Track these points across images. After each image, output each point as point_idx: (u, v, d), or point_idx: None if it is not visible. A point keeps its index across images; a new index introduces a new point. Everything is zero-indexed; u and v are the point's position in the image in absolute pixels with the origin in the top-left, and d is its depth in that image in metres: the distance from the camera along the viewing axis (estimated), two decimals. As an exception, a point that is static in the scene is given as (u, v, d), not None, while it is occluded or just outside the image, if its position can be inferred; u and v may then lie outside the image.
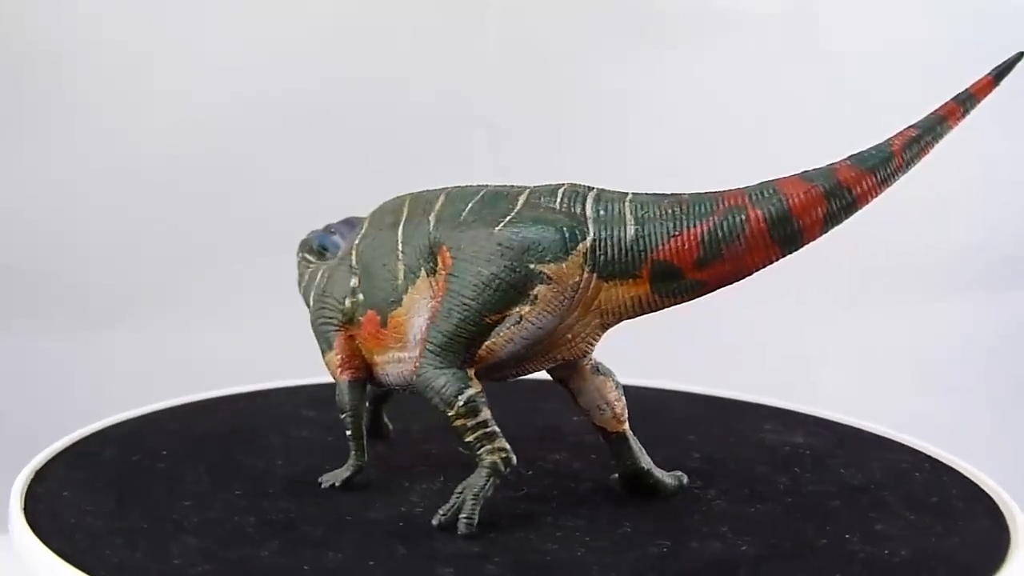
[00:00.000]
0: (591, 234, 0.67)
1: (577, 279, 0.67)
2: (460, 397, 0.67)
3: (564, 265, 0.66)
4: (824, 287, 1.37)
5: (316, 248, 0.83)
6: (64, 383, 1.30)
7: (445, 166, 1.32)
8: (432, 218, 0.70)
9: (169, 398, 0.93)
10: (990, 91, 0.66)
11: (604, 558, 0.64)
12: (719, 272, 0.67)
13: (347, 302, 0.74)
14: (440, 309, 0.68)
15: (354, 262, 0.74)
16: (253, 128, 1.33)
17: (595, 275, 0.67)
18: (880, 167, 0.66)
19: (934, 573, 0.64)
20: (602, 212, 0.67)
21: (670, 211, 0.67)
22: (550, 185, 0.70)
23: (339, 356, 0.75)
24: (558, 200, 0.68)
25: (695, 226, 0.66)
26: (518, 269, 0.66)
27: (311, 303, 0.78)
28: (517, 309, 0.67)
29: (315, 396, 0.95)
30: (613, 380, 0.73)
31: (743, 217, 0.66)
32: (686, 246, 0.66)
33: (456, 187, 0.72)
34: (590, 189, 0.69)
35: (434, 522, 0.68)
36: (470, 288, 0.67)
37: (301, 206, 1.34)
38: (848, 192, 0.66)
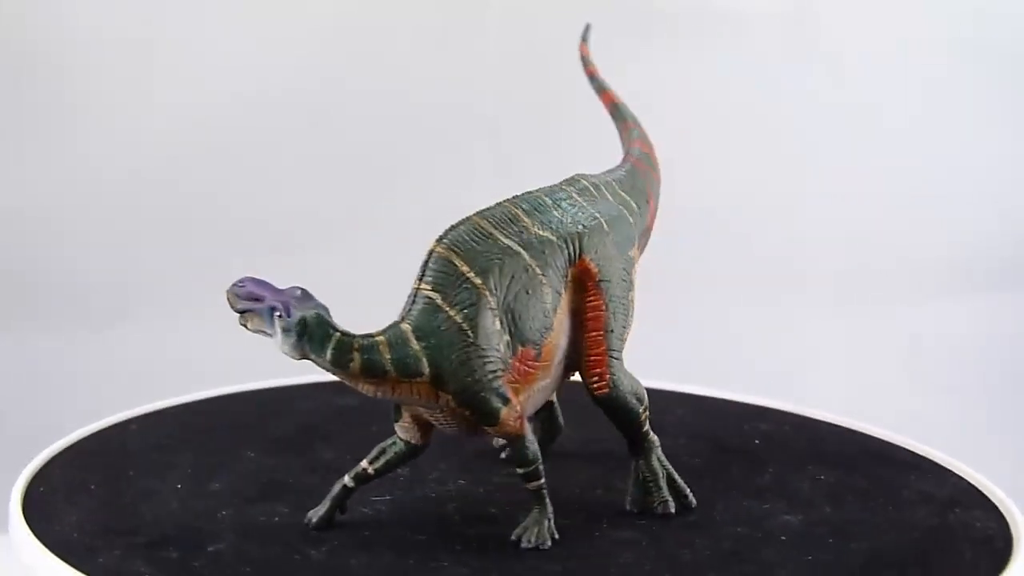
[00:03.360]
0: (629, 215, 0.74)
1: (637, 257, 0.74)
2: (644, 392, 0.72)
3: (636, 247, 0.74)
4: (820, 288, 1.37)
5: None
6: (64, 383, 1.30)
7: (445, 166, 1.32)
8: (547, 233, 0.69)
9: (169, 398, 0.93)
10: (587, 51, 0.85)
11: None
12: (653, 224, 0.79)
13: (501, 347, 0.67)
14: (608, 317, 0.70)
15: (492, 304, 0.66)
16: (253, 128, 1.33)
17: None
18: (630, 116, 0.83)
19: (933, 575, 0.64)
20: (616, 194, 0.74)
21: (632, 182, 0.76)
22: (568, 181, 0.73)
23: (518, 407, 0.67)
24: (594, 192, 0.73)
25: (649, 189, 0.78)
26: (628, 260, 0.72)
27: (450, 368, 0.66)
28: (633, 295, 0.72)
29: (311, 395, 0.95)
30: None
31: (654, 174, 0.80)
32: (654, 207, 0.78)
33: (513, 199, 0.70)
34: (587, 176, 0.74)
35: (671, 510, 0.72)
36: (621, 289, 0.71)
37: (301, 206, 1.35)
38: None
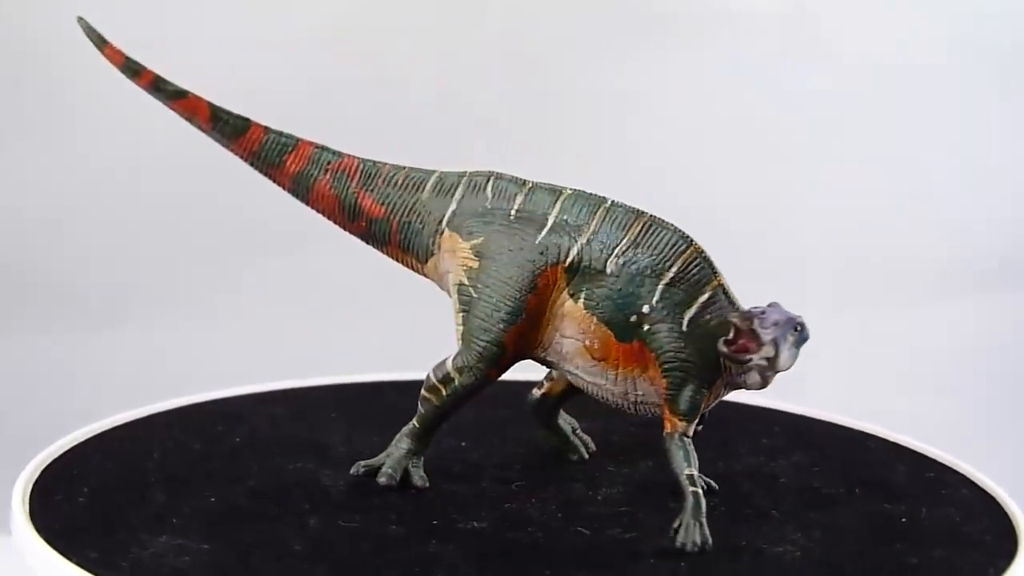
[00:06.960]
0: None
1: None
2: None
3: None
4: (819, 289, 1.37)
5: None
6: (64, 383, 1.30)
7: (445, 167, 1.32)
8: None
9: (169, 398, 0.93)
10: (114, 58, 0.83)
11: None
12: None
13: None
14: None
15: None
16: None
17: None
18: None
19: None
20: None
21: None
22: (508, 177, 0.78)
23: None
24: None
25: None
26: None
27: None
28: None
29: (312, 396, 0.95)
30: None
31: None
32: None
33: (598, 199, 0.74)
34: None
35: (586, 457, 0.80)
36: None
37: (301, 206, 1.34)
38: None
